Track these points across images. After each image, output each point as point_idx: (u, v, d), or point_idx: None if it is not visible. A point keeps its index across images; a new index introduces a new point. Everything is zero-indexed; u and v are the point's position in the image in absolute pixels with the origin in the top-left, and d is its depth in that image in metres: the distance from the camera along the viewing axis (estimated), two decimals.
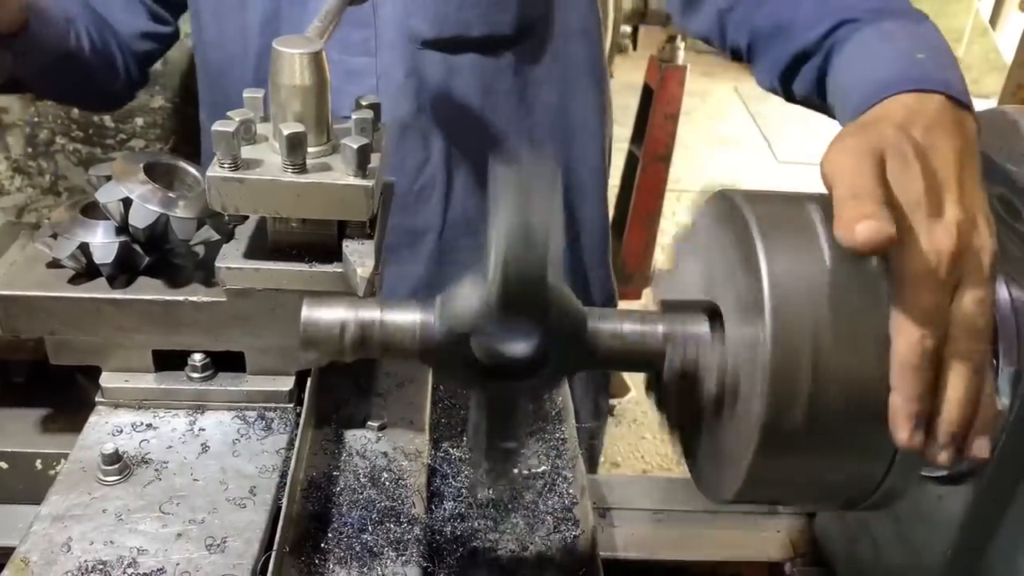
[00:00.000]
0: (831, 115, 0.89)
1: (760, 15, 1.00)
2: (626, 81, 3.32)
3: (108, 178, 0.84)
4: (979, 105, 0.73)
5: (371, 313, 0.63)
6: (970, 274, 0.58)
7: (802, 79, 0.96)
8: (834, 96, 0.87)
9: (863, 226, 0.54)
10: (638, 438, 2.98)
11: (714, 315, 0.66)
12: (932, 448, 0.59)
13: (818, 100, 0.94)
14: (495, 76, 1.21)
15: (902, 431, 0.57)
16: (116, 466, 0.78)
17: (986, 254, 0.59)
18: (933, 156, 0.62)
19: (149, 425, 0.85)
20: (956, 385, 0.58)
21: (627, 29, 3.09)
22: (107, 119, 1.81)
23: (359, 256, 0.80)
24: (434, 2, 1.14)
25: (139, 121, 1.82)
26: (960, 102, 0.70)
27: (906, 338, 0.57)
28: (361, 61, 1.17)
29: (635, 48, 3.09)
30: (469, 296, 0.61)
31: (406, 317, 0.63)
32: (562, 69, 1.26)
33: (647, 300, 3.40)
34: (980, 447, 0.59)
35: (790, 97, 1.01)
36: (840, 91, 0.85)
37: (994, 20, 6.34)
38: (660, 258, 3.36)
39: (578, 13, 1.25)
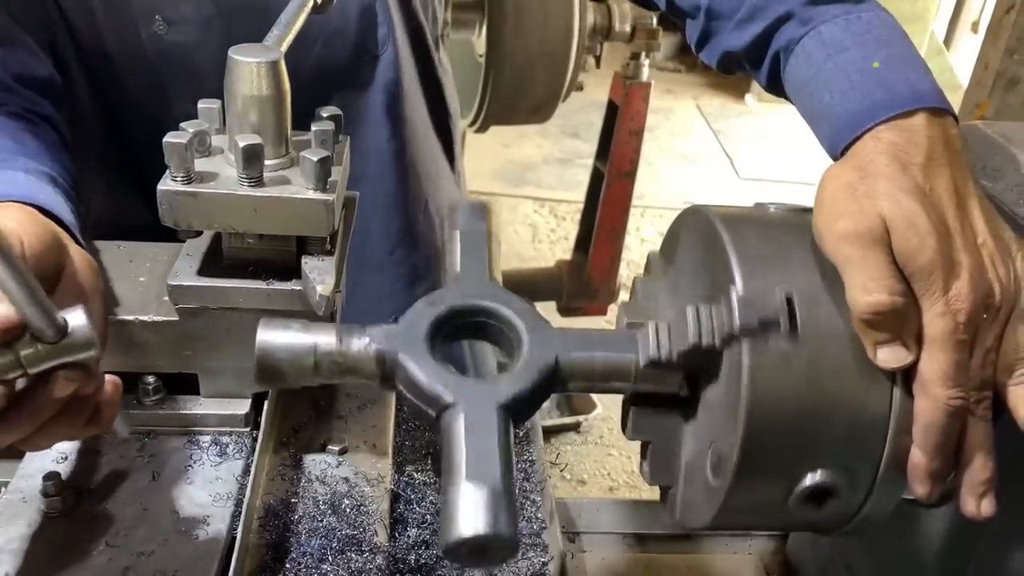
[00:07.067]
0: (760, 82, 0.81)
1: None
2: (590, 98, 3.32)
3: None
4: None
5: (329, 337, 0.60)
6: (985, 323, 0.58)
7: (736, 65, 0.85)
8: (797, 101, 0.76)
9: (885, 352, 0.57)
10: (604, 455, 2.96)
11: None
12: (966, 502, 0.59)
13: (752, 70, 0.83)
14: None
15: (923, 487, 0.58)
16: (60, 496, 0.74)
17: (1008, 282, 0.59)
18: (935, 201, 0.60)
19: (96, 451, 0.81)
20: (978, 439, 0.59)
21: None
22: None
23: (319, 273, 0.77)
24: None
25: None
26: (937, 108, 0.64)
27: (931, 399, 0.57)
28: None
29: (598, 65, 3.08)
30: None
31: (367, 341, 0.60)
32: None
33: (612, 315, 3.39)
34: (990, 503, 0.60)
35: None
36: (806, 111, 0.74)
37: (948, 41, 6.49)
38: (625, 273, 3.35)
39: None
